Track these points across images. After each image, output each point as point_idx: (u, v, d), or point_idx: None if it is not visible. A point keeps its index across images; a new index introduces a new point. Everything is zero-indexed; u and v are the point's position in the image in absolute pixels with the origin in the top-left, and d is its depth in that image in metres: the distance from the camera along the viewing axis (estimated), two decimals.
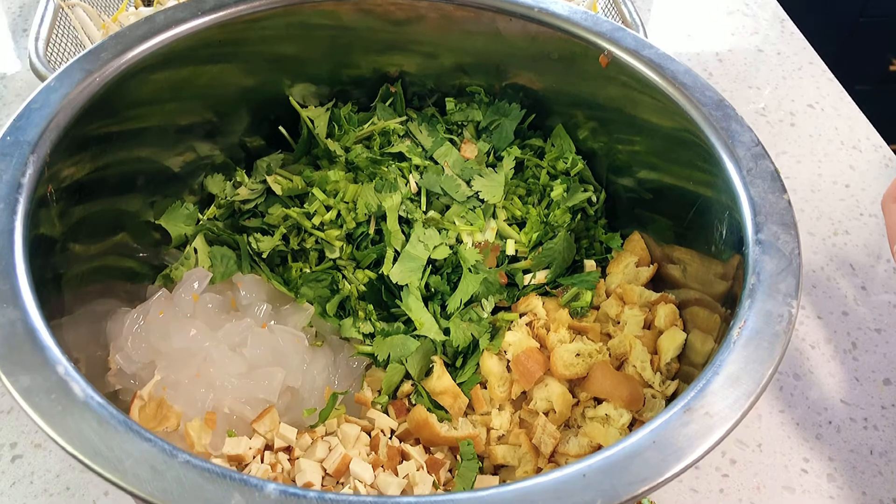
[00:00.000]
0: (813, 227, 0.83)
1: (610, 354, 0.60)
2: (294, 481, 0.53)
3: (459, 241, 0.65)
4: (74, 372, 0.40)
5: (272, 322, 0.61)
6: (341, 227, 0.64)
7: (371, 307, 0.63)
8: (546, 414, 0.58)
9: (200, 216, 0.67)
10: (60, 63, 0.78)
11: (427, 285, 0.63)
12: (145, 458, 0.37)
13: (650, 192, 0.65)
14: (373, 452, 0.56)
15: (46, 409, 0.38)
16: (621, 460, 0.38)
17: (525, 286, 0.65)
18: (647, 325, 0.61)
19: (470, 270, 0.62)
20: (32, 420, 0.37)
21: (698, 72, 0.95)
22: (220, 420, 0.55)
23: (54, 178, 0.51)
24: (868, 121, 0.96)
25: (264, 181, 0.68)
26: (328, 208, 0.64)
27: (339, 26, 0.67)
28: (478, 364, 0.61)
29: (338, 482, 0.54)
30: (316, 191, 0.65)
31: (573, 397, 0.59)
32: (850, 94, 1.00)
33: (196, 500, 0.35)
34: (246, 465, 0.54)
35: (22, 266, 0.44)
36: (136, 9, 0.85)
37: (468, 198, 0.66)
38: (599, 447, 0.56)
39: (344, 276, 0.64)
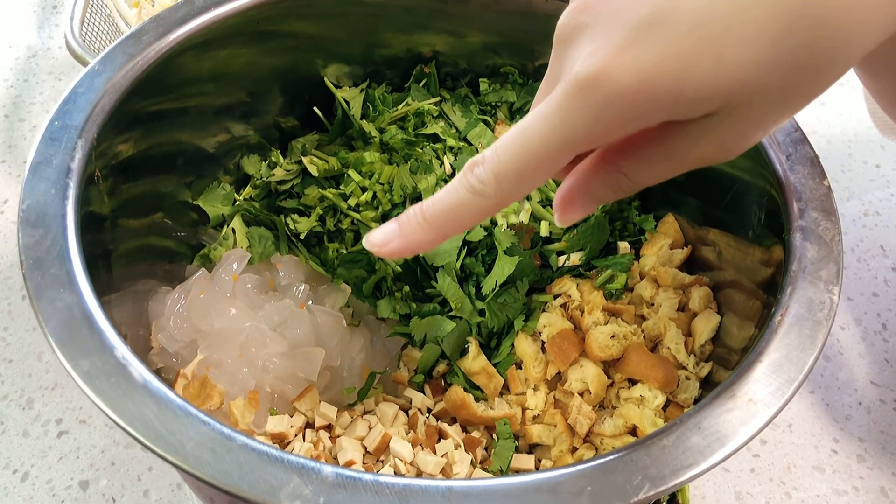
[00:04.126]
0: (843, 208, 0.83)
1: (644, 336, 0.60)
2: (336, 459, 0.54)
3: (494, 222, 0.65)
4: (131, 355, 0.41)
5: (310, 302, 0.62)
6: (377, 208, 0.65)
7: (407, 288, 0.63)
8: (581, 395, 0.59)
9: (237, 196, 0.68)
10: (94, 42, 0.79)
11: (462, 266, 0.63)
12: (205, 442, 0.38)
13: (684, 173, 0.65)
14: (411, 431, 0.58)
15: (108, 392, 0.39)
16: (668, 446, 0.39)
17: (559, 268, 0.65)
18: (682, 308, 0.62)
19: (505, 252, 0.63)
20: (96, 405, 0.38)
21: None
22: (262, 399, 0.57)
23: (101, 159, 0.52)
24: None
25: (300, 162, 0.68)
26: (364, 189, 0.65)
27: (377, 4, 0.67)
28: (513, 345, 0.61)
29: (378, 460, 0.56)
30: (352, 172, 0.65)
31: (608, 378, 0.59)
32: None
33: (256, 483, 0.36)
34: (288, 443, 0.55)
35: (76, 250, 0.45)
36: None
37: None
38: (634, 428, 0.57)
39: (380, 258, 0.65)
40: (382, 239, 0.37)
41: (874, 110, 0.67)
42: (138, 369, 0.40)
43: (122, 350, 0.41)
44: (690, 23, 0.29)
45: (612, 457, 0.39)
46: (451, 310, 0.62)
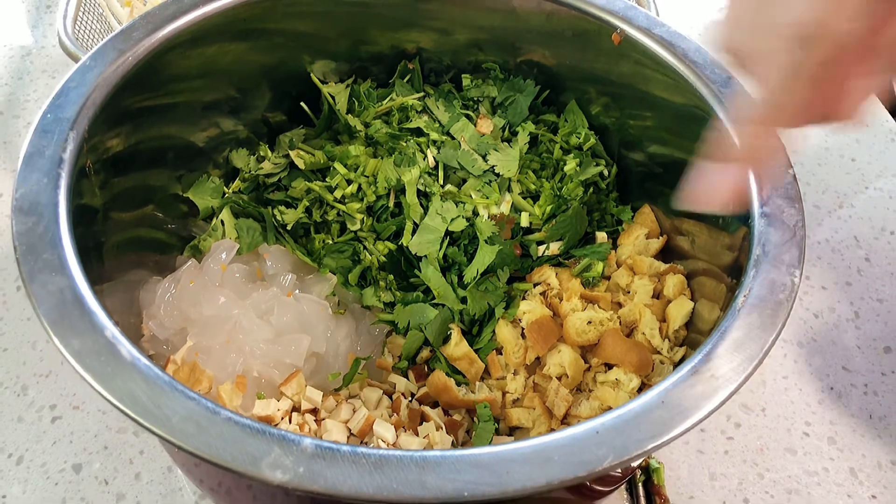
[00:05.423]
0: (819, 200, 0.85)
1: (620, 322, 0.62)
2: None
3: (476, 213, 0.67)
4: (121, 335, 0.43)
5: (297, 291, 0.64)
6: (362, 200, 0.67)
7: (391, 277, 0.65)
8: (559, 378, 0.60)
9: (226, 189, 0.70)
10: (87, 40, 0.80)
11: (445, 256, 0.65)
12: (190, 416, 0.39)
13: (660, 166, 0.67)
14: (394, 414, 0.59)
15: (97, 370, 0.41)
16: (632, 419, 0.41)
17: (539, 257, 0.67)
18: (657, 295, 0.64)
19: (486, 242, 0.65)
20: (87, 381, 0.40)
21: (706, 48, 0.96)
22: (249, 383, 0.58)
23: (92, 152, 0.54)
24: (874, 95, 0.97)
25: (287, 156, 0.70)
26: (349, 182, 0.67)
27: (362, 2, 0.68)
28: (493, 331, 0.63)
29: (362, 442, 0.57)
30: (337, 165, 0.67)
31: (585, 363, 0.61)
32: None
33: (239, 454, 0.38)
34: (275, 426, 0.57)
35: (67, 236, 0.46)
36: None
37: (484, 172, 0.68)
38: (610, 410, 0.59)
39: (365, 248, 0.67)
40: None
41: None
42: (127, 348, 0.42)
43: (112, 330, 0.43)
44: None
45: (579, 429, 0.41)
46: (434, 298, 0.64)
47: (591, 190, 0.70)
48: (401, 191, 0.67)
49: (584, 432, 0.40)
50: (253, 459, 0.38)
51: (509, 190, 0.69)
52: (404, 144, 0.69)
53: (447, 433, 0.59)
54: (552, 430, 0.60)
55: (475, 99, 0.74)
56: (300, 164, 0.69)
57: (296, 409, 0.59)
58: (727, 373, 0.43)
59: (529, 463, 0.39)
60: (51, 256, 0.45)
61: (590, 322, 0.61)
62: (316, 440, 0.39)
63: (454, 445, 0.58)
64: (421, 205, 0.66)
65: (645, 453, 0.40)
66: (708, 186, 0.44)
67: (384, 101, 0.72)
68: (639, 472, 0.64)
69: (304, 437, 0.39)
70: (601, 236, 0.68)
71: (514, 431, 0.61)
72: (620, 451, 0.40)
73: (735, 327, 0.45)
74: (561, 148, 0.70)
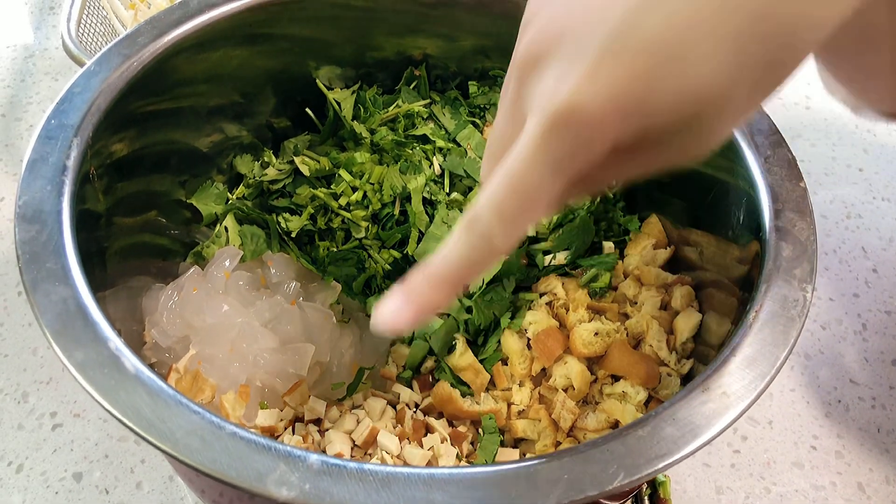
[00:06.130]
0: (826, 210, 0.85)
1: (627, 334, 0.62)
2: (325, 451, 0.55)
3: None
4: (124, 347, 0.42)
5: (301, 299, 0.63)
6: (367, 207, 0.66)
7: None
8: (565, 390, 0.60)
9: (230, 195, 0.69)
10: (90, 43, 0.80)
11: None
12: (195, 430, 0.39)
13: (668, 175, 0.67)
14: (398, 425, 0.59)
15: (101, 382, 0.40)
16: (643, 437, 0.40)
17: (545, 267, 0.67)
18: (664, 306, 0.63)
19: None
20: (89, 394, 0.39)
21: None
22: (252, 393, 0.58)
23: (96, 157, 0.53)
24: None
25: (292, 162, 0.70)
26: (354, 189, 0.66)
27: (368, 7, 0.68)
28: (499, 342, 0.63)
29: (366, 453, 0.57)
30: (342, 172, 0.67)
31: (591, 375, 0.61)
32: None
33: (244, 470, 0.38)
34: (278, 436, 0.57)
35: (71, 245, 0.46)
36: None
37: None
38: (617, 423, 0.58)
39: (370, 256, 0.66)
40: (391, 314, 0.34)
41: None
42: (131, 360, 0.41)
43: (116, 342, 0.42)
44: (650, 43, 0.29)
45: (588, 447, 0.40)
46: None
47: (598, 199, 0.69)
48: (406, 198, 0.66)
49: (595, 450, 0.40)
50: (258, 475, 0.37)
51: None
52: (410, 152, 0.68)
53: (452, 445, 0.58)
54: (558, 442, 0.59)
55: (482, 106, 0.73)
56: (305, 170, 0.68)
57: (299, 419, 0.59)
58: (739, 390, 0.43)
59: (539, 481, 0.38)
60: (54, 266, 0.45)
61: (596, 333, 0.60)
62: (322, 456, 0.38)
63: (459, 457, 0.57)
64: (426, 213, 0.66)
65: (656, 472, 0.39)
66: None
67: (390, 108, 0.72)
68: (645, 486, 0.64)
69: (310, 454, 0.38)
70: (608, 246, 0.68)
71: (520, 443, 0.61)
72: (631, 470, 0.39)
73: (746, 344, 0.45)
74: None
